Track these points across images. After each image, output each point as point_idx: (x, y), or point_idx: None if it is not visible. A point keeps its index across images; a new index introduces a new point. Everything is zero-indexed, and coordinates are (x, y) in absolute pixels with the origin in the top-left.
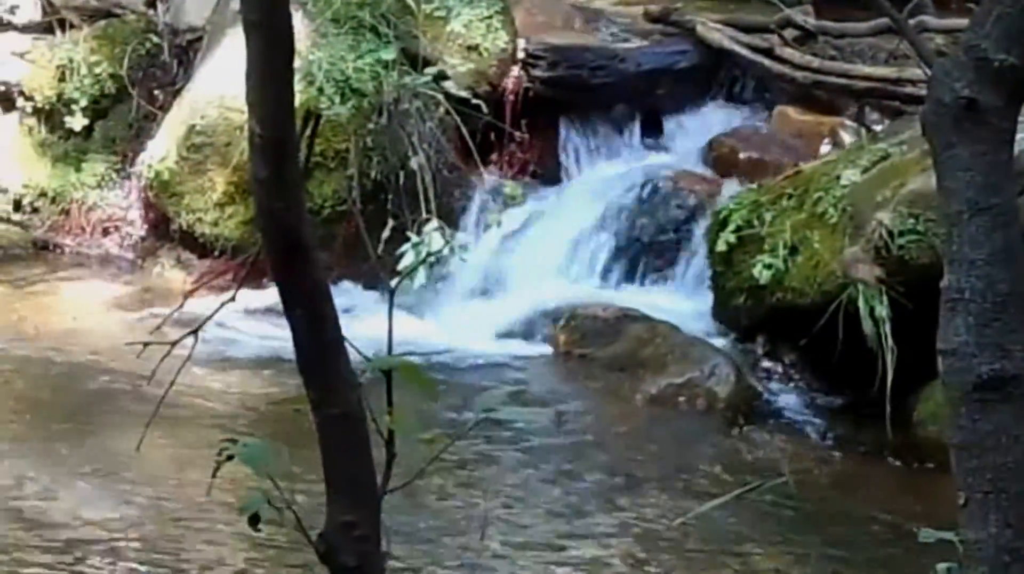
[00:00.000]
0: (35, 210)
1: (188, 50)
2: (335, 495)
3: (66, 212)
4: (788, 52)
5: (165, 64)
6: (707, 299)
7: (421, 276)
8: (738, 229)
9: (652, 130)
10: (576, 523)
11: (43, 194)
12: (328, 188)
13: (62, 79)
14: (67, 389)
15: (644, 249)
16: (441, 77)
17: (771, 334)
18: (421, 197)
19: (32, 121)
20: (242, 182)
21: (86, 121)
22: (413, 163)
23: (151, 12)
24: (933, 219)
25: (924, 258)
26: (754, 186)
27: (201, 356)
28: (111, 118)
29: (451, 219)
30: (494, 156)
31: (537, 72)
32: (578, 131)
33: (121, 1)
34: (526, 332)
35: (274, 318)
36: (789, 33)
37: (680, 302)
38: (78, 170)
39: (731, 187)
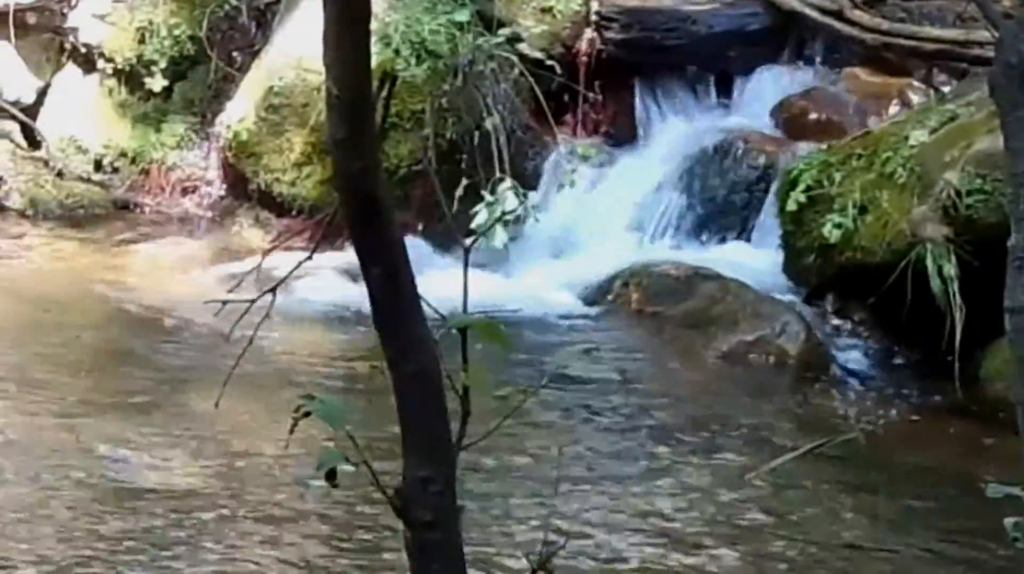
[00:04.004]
0: (115, 170)
1: (266, 12)
2: (411, 450)
3: (146, 172)
4: (857, 14)
5: (243, 26)
6: (777, 258)
7: (502, 235)
8: (808, 189)
9: (723, 91)
10: (648, 477)
11: (123, 154)
12: (404, 148)
13: (142, 41)
14: (146, 346)
15: (716, 208)
16: (515, 39)
17: (841, 292)
18: (495, 157)
19: (112, 82)
20: (319, 142)
21: (165, 82)
22: (488, 124)
23: None
24: (1000, 179)
25: (991, 217)
26: (824, 146)
27: (279, 314)
28: (190, 79)
29: (525, 179)
30: (568, 117)
31: (610, 34)
32: (651, 92)
33: None
34: (599, 290)
35: (351, 276)
36: None
37: (751, 261)
38: (157, 131)
39: (802, 148)
